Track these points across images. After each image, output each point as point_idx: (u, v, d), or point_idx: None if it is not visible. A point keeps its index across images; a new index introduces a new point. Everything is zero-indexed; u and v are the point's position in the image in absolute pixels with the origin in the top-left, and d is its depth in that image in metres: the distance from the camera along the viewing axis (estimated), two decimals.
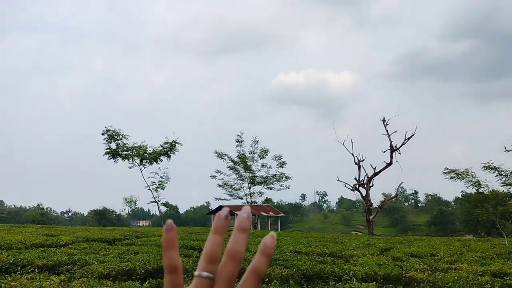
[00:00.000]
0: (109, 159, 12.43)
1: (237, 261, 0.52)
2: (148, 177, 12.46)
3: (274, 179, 29.37)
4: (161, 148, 12.40)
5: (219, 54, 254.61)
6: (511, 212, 21.99)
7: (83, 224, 73.21)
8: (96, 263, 9.31)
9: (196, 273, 0.51)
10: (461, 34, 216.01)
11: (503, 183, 17.15)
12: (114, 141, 12.15)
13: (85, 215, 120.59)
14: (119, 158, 12.37)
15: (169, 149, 12.59)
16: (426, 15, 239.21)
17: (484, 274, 8.55)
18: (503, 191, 19.78)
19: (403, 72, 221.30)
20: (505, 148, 29.28)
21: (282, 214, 72.99)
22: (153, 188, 12.47)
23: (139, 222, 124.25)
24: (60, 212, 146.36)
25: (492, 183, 19.07)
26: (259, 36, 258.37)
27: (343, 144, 37.50)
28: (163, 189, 12.61)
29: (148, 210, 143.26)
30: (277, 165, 29.43)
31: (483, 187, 19.08)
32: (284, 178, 29.40)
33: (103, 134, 12.00)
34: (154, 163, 12.45)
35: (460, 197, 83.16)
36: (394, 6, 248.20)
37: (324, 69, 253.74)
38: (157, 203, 12.59)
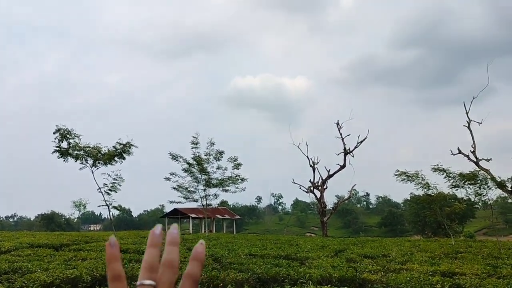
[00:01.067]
0: (58, 157, 11.72)
1: (174, 268, 0.58)
2: (101, 179, 11.88)
3: (230, 181, 29.14)
4: (114, 149, 11.84)
5: (176, 56, 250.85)
6: (457, 213, 23.03)
7: (30, 229, 69.41)
8: (39, 270, 8.72)
9: (138, 282, 0.56)
10: (408, 43, 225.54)
11: (450, 185, 17.90)
12: (66, 140, 11.46)
13: (32, 219, 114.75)
14: (69, 158, 11.69)
15: (122, 151, 12.05)
16: (377, 24, 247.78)
17: (434, 274, 8.80)
18: (449, 193, 20.64)
19: (355, 78, 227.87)
20: (451, 151, 30.78)
21: (238, 217, 72.83)
22: (104, 191, 11.88)
23: (89, 227, 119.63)
24: (5, 217, 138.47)
25: (440, 185, 19.85)
26: (216, 39, 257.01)
27: (298, 147, 37.98)
28: (116, 191, 12.04)
29: (100, 213, 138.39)
30: (232, 166, 29.24)
31: (432, 189, 19.84)
32: (239, 180, 29.24)
33: (54, 133, 11.29)
34: (108, 164, 11.88)
35: (409, 198, 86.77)
36: (347, 14, 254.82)
37: (280, 73, 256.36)
38: (108, 207, 12.01)
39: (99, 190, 11.77)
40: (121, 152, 11.90)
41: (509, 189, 28.07)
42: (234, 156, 29.33)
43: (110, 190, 11.79)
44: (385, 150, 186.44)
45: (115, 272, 0.58)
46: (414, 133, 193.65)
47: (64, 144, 11.58)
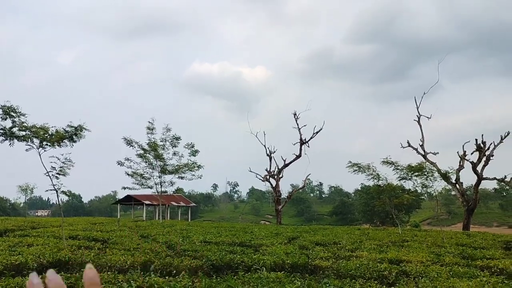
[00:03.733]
0: (2, 141, 11.00)
1: None
2: (49, 162, 11.29)
3: (186, 168, 28.83)
4: (64, 131, 11.27)
5: (132, 37, 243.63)
6: (404, 204, 24.04)
7: None
8: None
9: None
10: (365, 38, 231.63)
11: (399, 177, 18.64)
12: (10, 118, 10.72)
13: None
14: (15, 140, 11.00)
15: (73, 134, 11.51)
16: (336, 18, 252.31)
17: (382, 261, 9.15)
18: (397, 184, 21.48)
19: (313, 69, 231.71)
20: (401, 144, 32.07)
21: (193, 204, 72.38)
22: (52, 175, 11.33)
23: (37, 212, 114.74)
24: None
25: (390, 176, 20.65)
26: (174, 23, 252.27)
27: (256, 136, 38.10)
28: (64, 175, 11.51)
29: (48, 199, 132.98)
30: (189, 153, 28.91)
31: (382, 180, 20.58)
32: (196, 167, 28.99)
33: None
34: (57, 146, 11.29)
35: (360, 189, 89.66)
36: (307, 6, 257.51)
37: (239, 62, 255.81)
38: (57, 191, 11.49)
39: (46, 174, 11.21)
40: (71, 135, 11.36)
41: (453, 181, 29.75)
42: (191, 143, 29.04)
43: (58, 174, 11.25)
44: (340, 142, 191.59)
45: None
46: (368, 126, 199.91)
47: (8, 123, 10.85)
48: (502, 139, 29.38)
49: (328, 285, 5.60)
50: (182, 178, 29.84)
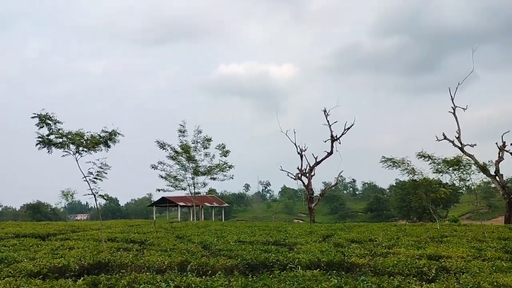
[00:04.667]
0: (40, 148, 11.42)
1: None
2: (86, 168, 11.66)
3: (218, 169, 29.08)
4: (99, 136, 11.62)
5: (157, 44, 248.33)
6: (441, 198, 23.33)
7: (15, 219, 68.48)
8: (25, 260, 8.62)
9: None
10: (391, 30, 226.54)
11: (436, 170, 18.08)
12: (46, 126, 11.09)
13: (17, 209, 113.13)
14: (53, 147, 11.39)
15: (108, 139, 11.83)
16: (359, 12, 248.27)
17: (421, 258, 8.92)
18: (433, 178, 20.87)
19: (340, 65, 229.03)
20: (437, 137, 31.15)
21: (226, 204, 73.04)
22: (90, 179, 11.69)
23: (76, 216, 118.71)
24: None
25: (426, 171, 20.05)
26: (198, 27, 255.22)
27: (286, 134, 37.89)
28: (101, 180, 11.85)
29: (86, 203, 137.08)
30: (220, 154, 29.15)
31: (417, 175, 20.04)
32: (227, 168, 29.20)
33: (33, 117, 10.93)
34: (92, 152, 11.64)
35: (394, 184, 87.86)
36: (329, 3, 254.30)
37: (265, 61, 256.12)
38: (95, 196, 11.85)
39: (84, 179, 11.57)
40: (106, 140, 11.67)
41: (492, 173, 28.67)
42: (222, 144, 29.28)
43: (95, 178, 11.59)
44: (371, 137, 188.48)
45: None
46: (399, 120, 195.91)
47: (45, 131, 11.23)
48: None
49: (365, 282, 5.50)
50: (214, 179, 30.17)
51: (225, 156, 29.17)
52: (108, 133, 11.70)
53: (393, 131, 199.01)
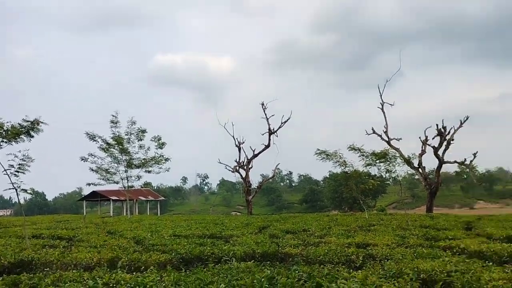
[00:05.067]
0: None
1: None
2: (7, 160, 10.78)
3: (153, 162, 28.32)
4: (19, 126, 10.77)
5: (92, 31, 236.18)
6: (370, 189, 24.60)
7: None
8: None
9: None
10: (327, 28, 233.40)
11: (364, 163, 19.02)
12: None
13: None
14: None
15: (30, 128, 11.01)
16: (297, 8, 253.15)
17: (350, 246, 9.33)
18: (363, 170, 21.94)
19: (279, 60, 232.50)
20: (366, 131, 32.74)
21: (162, 198, 71.66)
22: (11, 173, 10.86)
23: None
24: None
25: (356, 163, 21.03)
26: (134, 14, 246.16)
27: (224, 127, 37.86)
28: (24, 173, 11.04)
29: (10, 198, 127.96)
30: (156, 146, 28.39)
31: (348, 167, 20.97)
32: (163, 160, 28.53)
33: None
34: (14, 143, 10.79)
35: (328, 176, 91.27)
36: None
37: (204, 52, 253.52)
38: (16, 190, 11.03)
39: (4, 172, 10.73)
40: (28, 130, 10.87)
41: (416, 166, 30.71)
42: (158, 135, 28.49)
43: (17, 171, 10.79)
44: (308, 131, 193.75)
45: None
46: (335, 114, 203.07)
47: None
48: (461, 123, 30.49)
49: (297, 271, 5.63)
50: (149, 172, 29.32)
51: (161, 149, 28.47)
52: (30, 122, 10.90)
53: (330, 125, 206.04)
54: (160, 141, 28.34)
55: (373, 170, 22.66)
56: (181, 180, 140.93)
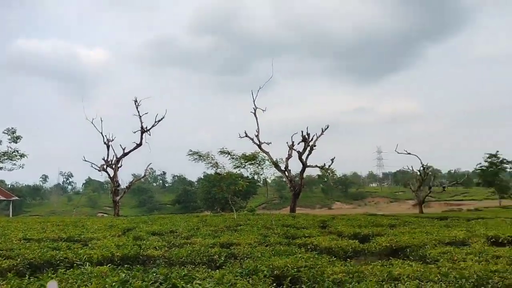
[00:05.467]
0: None
1: None
2: None
3: (6, 157, 25.18)
4: None
5: None
6: (240, 190, 25.42)
7: None
8: None
9: None
10: (206, 30, 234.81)
11: (234, 165, 19.66)
12: None
13: None
14: None
15: None
16: (177, 7, 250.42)
17: (214, 246, 9.50)
18: (236, 172, 22.65)
19: (156, 57, 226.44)
20: (239, 135, 33.83)
21: (16, 198, 63.96)
22: None
23: None
24: None
25: (228, 165, 21.61)
26: None
27: (92, 123, 35.43)
28: None
29: None
30: (9, 139, 25.31)
31: (220, 168, 21.41)
32: (18, 156, 25.56)
33: None
34: None
35: (202, 177, 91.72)
36: None
37: (74, 42, 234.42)
38: None
39: None
40: None
41: (283, 169, 32.75)
42: (12, 128, 25.41)
43: None
44: (184, 131, 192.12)
45: None
46: (212, 117, 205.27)
47: None
48: (322, 131, 33.49)
49: (155, 274, 5.52)
50: (0, 168, 26.01)
51: (16, 143, 25.46)
52: None
53: (207, 126, 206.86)
54: (14, 135, 25.36)
55: (245, 172, 23.53)
56: (41, 179, 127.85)
